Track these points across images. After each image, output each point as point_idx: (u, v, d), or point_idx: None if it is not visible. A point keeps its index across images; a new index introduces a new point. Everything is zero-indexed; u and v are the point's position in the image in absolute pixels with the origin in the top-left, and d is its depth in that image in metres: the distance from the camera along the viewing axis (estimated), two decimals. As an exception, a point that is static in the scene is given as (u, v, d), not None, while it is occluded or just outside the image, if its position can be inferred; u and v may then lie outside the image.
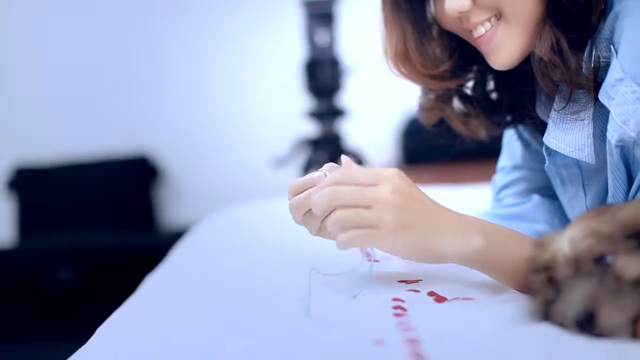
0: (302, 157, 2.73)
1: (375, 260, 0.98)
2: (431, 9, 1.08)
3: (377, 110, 3.11)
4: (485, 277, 0.95)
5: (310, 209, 0.92)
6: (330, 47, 2.58)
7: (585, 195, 1.06)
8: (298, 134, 2.85)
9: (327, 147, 2.66)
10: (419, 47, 1.07)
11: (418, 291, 0.93)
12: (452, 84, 1.10)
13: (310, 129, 2.83)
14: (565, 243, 0.79)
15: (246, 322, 0.87)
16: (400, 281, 0.97)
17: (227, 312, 0.92)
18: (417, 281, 0.96)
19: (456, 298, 0.90)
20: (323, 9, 2.55)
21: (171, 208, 3.53)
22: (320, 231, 0.94)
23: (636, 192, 0.92)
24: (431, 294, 0.92)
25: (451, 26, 1.05)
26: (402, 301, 0.88)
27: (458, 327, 0.79)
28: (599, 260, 0.76)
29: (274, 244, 1.27)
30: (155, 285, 1.19)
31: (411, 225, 0.88)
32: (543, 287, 0.80)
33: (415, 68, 1.08)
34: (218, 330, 0.85)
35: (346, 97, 2.77)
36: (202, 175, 3.47)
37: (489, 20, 1.00)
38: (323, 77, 2.60)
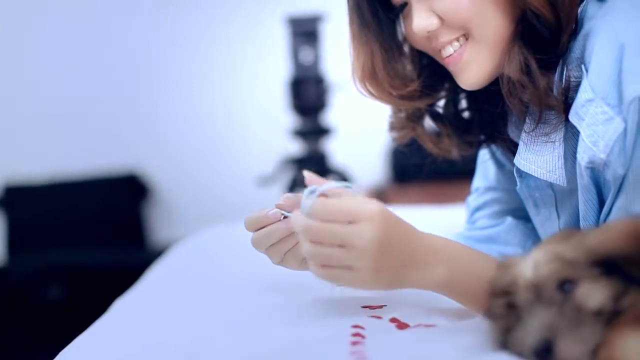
0: (287, 176, 2.71)
1: None
2: (401, 27, 1.06)
3: (364, 129, 3.08)
4: (452, 302, 0.93)
5: (273, 244, 0.94)
6: (315, 65, 2.56)
7: (559, 217, 1.04)
8: (283, 152, 2.83)
9: (312, 166, 2.63)
10: (387, 66, 1.05)
11: (380, 317, 0.90)
12: (421, 104, 1.09)
13: (296, 147, 2.81)
14: (529, 266, 0.77)
15: (209, 346, 0.85)
16: (364, 306, 0.95)
17: (192, 335, 0.90)
18: (381, 306, 0.94)
19: (418, 325, 0.88)
20: (307, 26, 2.53)
21: (160, 226, 3.51)
22: (282, 262, 0.97)
23: (607, 215, 0.89)
24: (393, 320, 0.89)
25: (421, 45, 1.04)
26: (362, 328, 0.86)
27: (415, 356, 0.76)
28: (562, 286, 0.74)
29: (250, 265, 1.24)
30: (123, 308, 1.17)
31: (385, 269, 0.86)
32: (502, 312, 0.77)
33: (383, 88, 1.06)
34: (183, 354, 0.84)
35: (332, 116, 2.76)
36: (191, 193, 3.46)
37: (457, 39, 0.98)
38: (308, 95, 2.58)
